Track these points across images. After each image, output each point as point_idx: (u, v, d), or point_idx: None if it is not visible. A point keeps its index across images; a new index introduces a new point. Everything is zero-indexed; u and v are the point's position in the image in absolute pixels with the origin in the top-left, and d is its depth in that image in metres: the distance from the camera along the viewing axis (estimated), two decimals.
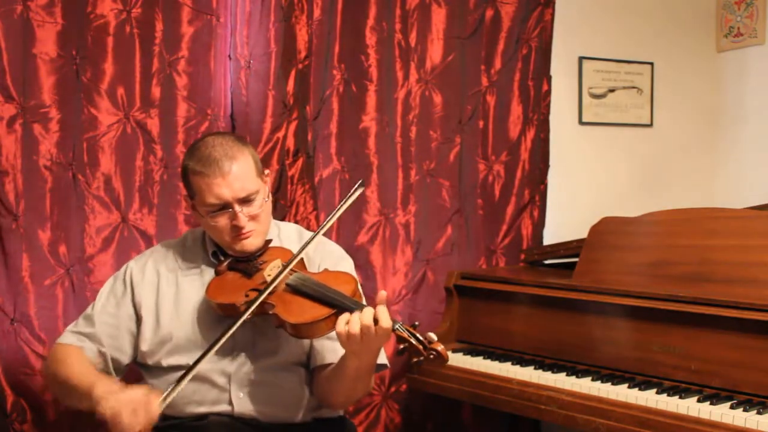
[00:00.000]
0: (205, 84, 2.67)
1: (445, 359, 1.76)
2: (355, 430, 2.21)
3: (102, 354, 2.02)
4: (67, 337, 2.06)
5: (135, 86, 2.58)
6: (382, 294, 1.81)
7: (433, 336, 1.77)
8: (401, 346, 1.78)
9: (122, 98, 2.57)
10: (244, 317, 1.85)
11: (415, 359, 1.78)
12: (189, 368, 1.84)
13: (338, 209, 1.98)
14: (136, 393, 1.78)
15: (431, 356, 1.75)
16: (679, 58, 3.59)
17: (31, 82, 2.46)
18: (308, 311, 1.85)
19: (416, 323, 1.81)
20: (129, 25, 2.56)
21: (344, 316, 1.79)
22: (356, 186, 1.97)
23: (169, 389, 1.82)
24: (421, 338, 1.77)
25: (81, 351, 2.01)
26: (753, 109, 3.53)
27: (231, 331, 1.84)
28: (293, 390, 2.02)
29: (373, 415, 2.93)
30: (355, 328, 1.76)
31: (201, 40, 2.65)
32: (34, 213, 2.47)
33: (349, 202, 1.98)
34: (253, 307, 1.86)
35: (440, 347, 1.75)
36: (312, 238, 2.00)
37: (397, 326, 1.78)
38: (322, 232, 2.00)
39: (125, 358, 2.06)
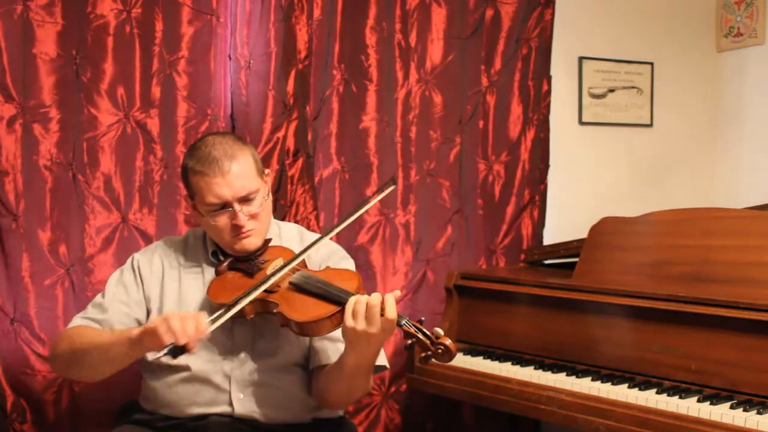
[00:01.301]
0: (205, 84, 2.67)
1: (453, 353, 1.77)
2: (355, 431, 2.21)
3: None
4: (78, 322, 2.04)
5: (135, 86, 2.58)
6: (396, 292, 1.82)
7: (440, 331, 1.78)
8: (409, 341, 1.79)
9: (122, 98, 2.57)
10: (258, 291, 1.86)
11: (423, 354, 1.79)
12: (229, 306, 1.83)
13: (350, 215, 2.02)
14: (184, 311, 1.79)
15: (439, 351, 1.76)
16: (679, 58, 3.59)
17: (31, 82, 2.46)
18: (313, 309, 1.86)
19: (422, 319, 1.82)
20: (129, 25, 2.56)
21: (353, 298, 1.80)
22: (386, 185, 2.01)
23: (217, 314, 1.81)
24: (428, 333, 1.78)
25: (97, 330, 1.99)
26: (753, 108, 3.53)
27: (262, 287, 1.86)
28: (293, 391, 2.02)
29: (373, 415, 2.93)
30: (361, 308, 1.77)
31: (201, 40, 2.65)
32: (34, 213, 2.47)
33: (370, 204, 2.02)
34: (262, 288, 1.86)
35: (448, 341, 1.76)
36: (318, 240, 2.00)
37: (403, 322, 1.79)
38: (330, 235, 2.02)
39: None
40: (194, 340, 1.71)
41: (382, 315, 1.77)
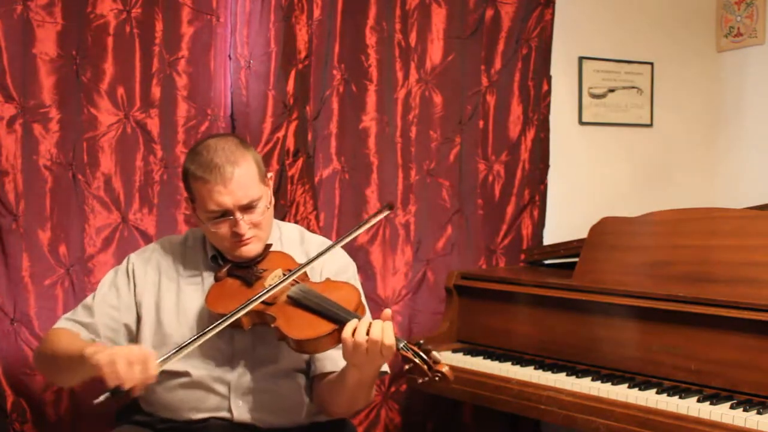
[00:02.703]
0: (205, 84, 2.67)
1: (450, 381, 1.75)
2: (355, 431, 2.20)
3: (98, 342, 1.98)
4: (63, 323, 2.02)
5: (135, 86, 2.58)
6: (387, 312, 1.78)
7: (437, 356, 1.76)
8: (407, 367, 1.77)
9: (122, 98, 2.57)
10: (248, 309, 1.83)
11: (420, 380, 1.77)
12: (192, 340, 1.80)
13: (357, 228, 1.98)
14: (134, 347, 1.74)
15: (436, 377, 1.74)
16: (679, 58, 3.59)
17: (31, 82, 2.46)
18: (311, 326, 1.82)
19: (420, 341, 1.79)
20: (129, 25, 2.56)
21: (351, 325, 1.76)
22: (382, 208, 1.98)
23: (169, 353, 1.77)
24: (426, 358, 1.75)
25: (76, 334, 1.97)
26: (753, 108, 3.53)
27: (233, 317, 1.81)
28: (293, 396, 2.00)
29: (373, 415, 2.93)
30: (361, 338, 1.74)
31: (201, 40, 2.65)
32: (34, 213, 2.47)
33: (370, 224, 1.99)
34: (251, 306, 1.83)
35: (445, 368, 1.74)
36: (318, 256, 1.94)
37: (401, 345, 1.76)
38: (335, 248, 1.98)
39: None
40: (140, 384, 1.67)
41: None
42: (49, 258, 2.49)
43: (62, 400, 2.49)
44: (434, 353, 1.77)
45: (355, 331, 1.75)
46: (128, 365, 1.66)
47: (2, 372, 2.44)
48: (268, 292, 1.85)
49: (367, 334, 1.74)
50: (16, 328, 2.45)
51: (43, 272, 2.48)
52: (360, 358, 1.76)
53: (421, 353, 1.76)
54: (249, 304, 1.83)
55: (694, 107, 3.64)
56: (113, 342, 2.00)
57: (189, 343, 1.79)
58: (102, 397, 1.66)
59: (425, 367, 1.75)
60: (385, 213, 1.99)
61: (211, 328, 1.81)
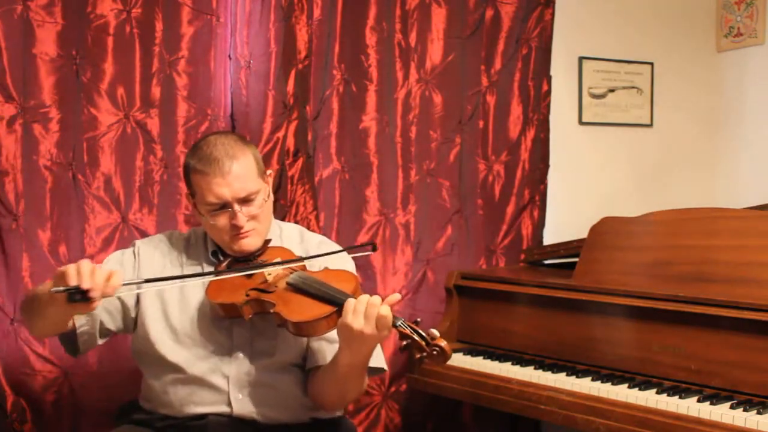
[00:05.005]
0: (205, 84, 2.67)
1: (448, 355, 1.76)
2: (355, 430, 2.21)
3: (90, 313, 1.97)
4: None
5: (135, 86, 2.58)
6: (396, 295, 1.82)
7: (435, 332, 1.78)
8: (404, 343, 1.79)
9: (122, 98, 2.57)
10: (249, 272, 1.91)
11: (418, 356, 1.78)
12: (171, 277, 1.88)
13: (341, 251, 2.06)
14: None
15: (434, 352, 1.76)
16: (679, 58, 3.59)
17: (31, 82, 2.46)
18: (309, 309, 1.86)
19: (418, 320, 1.82)
20: (129, 25, 2.56)
21: (352, 302, 1.80)
22: (365, 245, 2.06)
23: (137, 280, 1.85)
24: (423, 334, 1.77)
25: None
26: (753, 109, 3.53)
27: (230, 274, 1.91)
28: (292, 391, 2.02)
29: (373, 415, 2.93)
30: (361, 306, 1.77)
31: (201, 40, 2.65)
32: (34, 213, 2.47)
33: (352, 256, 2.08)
34: (253, 271, 1.90)
35: (443, 343, 1.76)
36: (316, 256, 2.00)
37: (399, 323, 1.79)
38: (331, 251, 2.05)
39: (112, 325, 2.03)
40: (98, 290, 1.67)
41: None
42: (49, 258, 2.49)
43: (62, 400, 2.49)
44: (432, 329, 1.78)
45: (357, 302, 1.79)
46: (92, 270, 1.68)
47: (2, 372, 2.44)
48: (268, 265, 1.91)
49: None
50: (16, 328, 2.45)
51: (43, 272, 2.48)
52: (356, 334, 1.78)
53: (419, 329, 1.78)
54: (251, 268, 1.90)
55: (694, 107, 3.64)
56: (110, 315, 2.03)
57: (160, 279, 1.87)
58: (61, 288, 1.67)
59: (423, 342, 1.77)
60: (368, 252, 2.07)
61: (194, 274, 1.89)
